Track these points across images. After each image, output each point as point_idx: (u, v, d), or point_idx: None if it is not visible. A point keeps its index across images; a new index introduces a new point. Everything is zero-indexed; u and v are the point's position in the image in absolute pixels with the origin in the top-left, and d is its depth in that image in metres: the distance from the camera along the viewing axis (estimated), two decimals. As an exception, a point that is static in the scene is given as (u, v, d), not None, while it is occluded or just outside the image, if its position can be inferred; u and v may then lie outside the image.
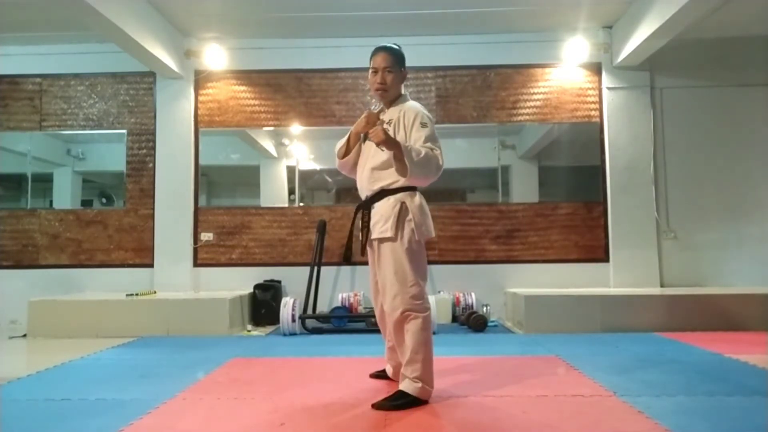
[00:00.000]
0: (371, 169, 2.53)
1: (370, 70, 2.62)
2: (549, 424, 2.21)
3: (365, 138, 2.55)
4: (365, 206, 2.56)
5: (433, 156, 2.42)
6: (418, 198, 2.52)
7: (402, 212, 2.45)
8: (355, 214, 2.68)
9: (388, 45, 2.62)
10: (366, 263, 2.76)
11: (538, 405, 2.47)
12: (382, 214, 2.48)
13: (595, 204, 5.44)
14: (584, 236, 5.41)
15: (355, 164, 2.69)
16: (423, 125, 2.48)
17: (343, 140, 2.69)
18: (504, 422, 2.25)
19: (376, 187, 2.52)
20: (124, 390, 2.80)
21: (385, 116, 2.58)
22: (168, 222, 5.45)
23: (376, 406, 2.40)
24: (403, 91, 2.67)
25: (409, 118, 2.51)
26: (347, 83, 5.59)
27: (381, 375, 2.95)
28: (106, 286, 5.39)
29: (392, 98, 2.63)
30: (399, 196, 2.48)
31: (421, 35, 5.46)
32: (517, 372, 3.10)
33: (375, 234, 2.50)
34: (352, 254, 2.72)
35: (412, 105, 2.59)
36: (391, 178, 2.47)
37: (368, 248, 2.65)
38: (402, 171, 2.39)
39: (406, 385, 2.45)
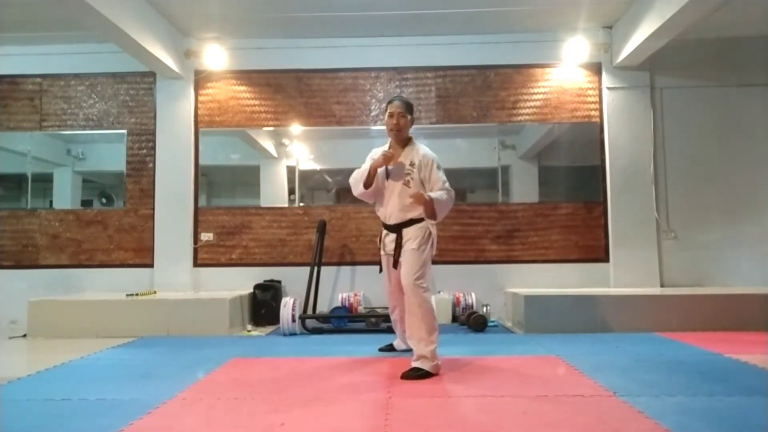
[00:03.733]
0: (401, 204, 3.18)
1: (387, 116, 3.27)
2: (549, 424, 2.21)
3: (388, 176, 3.26)
4: (395, 230, 3.22)
5: (449, 197, 3.16)
6: (435, 227, 3.22)
7: (426, 235, 3.16)
8: (382, 233, 3.37)
9: (401, 96, 3.55)
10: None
11: (538, 405, 2.47)
12: (411, 236, 3.16)
13: (595, 204, 5.44)
14: (584, 236, 5.41)
15: (373, 193, 3.30)
16: (438, 168, 3.21)
17: (361, 172, 3.29)
18: (504, 422, 2.25)
19: (407, 218, 3.18)
20: (124, 390, 2.80)
21: (404, 157, 3.24)
22: (168, 222, 5.45)
23: (405, 377, 2.96)
24: (410, 134, 3.33)
25: (427, 161, 3.20)
26: (347, 83, 5.59)
27: (389, 348, 3.70)
28: (106, 286, 5.39)
29: (403, 138, 3.28)
30: (424, 224, 3.17)
31: (421, 35, 5.47)
32: (517, 372, 3.10)
33: (405, 248, 3.17)
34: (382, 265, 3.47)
35: (426, 150, 3.26)
36: (417, 212, 3.16)
37: (388, 258, 3.29)
38: (432, 218, 3.13)
39: (422, 363, 3.01)
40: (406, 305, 3.13)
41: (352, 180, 3.36)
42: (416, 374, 2.96)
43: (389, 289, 3.44)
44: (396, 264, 3.20)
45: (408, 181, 3.17)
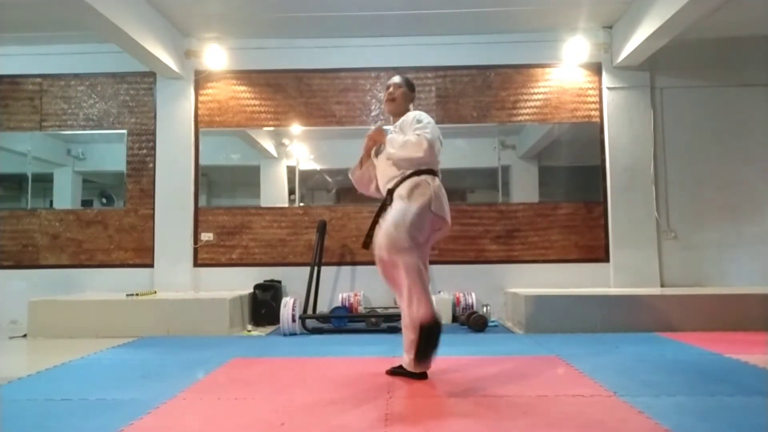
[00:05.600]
0: (390, 168, 2.90)
1: (385, 90, 3.13)
2: (549, 424, 2.21)
3: (377, 153, 3.03)
4: (390, 193, 2.92)
5: (411, 139, 2.79)
6: (437, 180, 2.90)
7: (421, 184, 2.81)
8: (380, 208, 2.98)
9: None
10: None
11: (538, 405, 2.47)
12: (402, 187, 2.84)
13: (595, 204, 5.44)
14: (584, 236, 5.41)
15: (369, 180, 3.13)
16: (418, 121, 2.89)
17: (356, 163, 3.15)
18: (504, 422, 2.24)
19: (396, 174, 2.88)
20: (124, 390, 2.80)
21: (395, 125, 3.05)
22: (168, 222, 5.45)
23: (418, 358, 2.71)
24: (411, 109, 3.09)
25: (409, 118, 2.95)
26: (347, 83, 5.59)
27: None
28: (106, 286, 5.39)
29: (400, 112, 3.07)
30: (421, 177, 2.84)
31: (421, 35, 5.47)
32: (517, 372, 3.10)
33: (394, 197, 2.85)
34: (371, 241, 2.90)
35: (414, 111, 3.02)
36: (411, 168, 2.85)
37: None
38: (387, 154, 2.86)
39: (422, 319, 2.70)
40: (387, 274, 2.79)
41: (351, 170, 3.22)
42: (422, 349, 2.70)
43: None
44: None
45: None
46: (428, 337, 2.66)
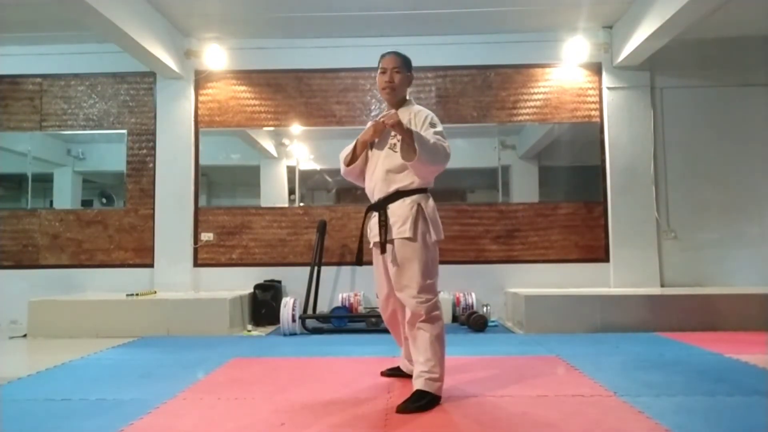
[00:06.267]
0: (386, 171, 2.57)
1: (379, 72, 2.68)
2: (549, 424, 2.21)
3: (372, 145, 2.68)
4: (378, 207, 2.59)
5: (441, 145, 2.50)
6: (431, 201, 2.61)
7: (419, 213, 2.53)
8: (366, 215, 2.71)
9: (396, 51, 2.73)
10: (369, 263, 2.80)
11: (538, 405, 2.47)
12: (399, 215, 2.53)
13: (595, 204, 5.44)
14: (584, 236, 5.41)
15: (361, 172, 2.75)
16: (432, 125, 2.58)
17: (349, 148, 2.74)
18: (504, 422, 2.24)
19: (392, 188, 2.56)
20: (124, 390, 2.80)
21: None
22: (168, 222, 5.45)
23: (400, 410, 2.35)
24: (408, 96, 2.75)
25: (420, 118, 2.60)
26: (347, 83, 5.59)
27: (394, 372, 2.97)
28: (106, 286, 5.39)
29: (399, 99, 2.70)
30: (414, 197, 2.54)
31: (421, 35, 5.46)
32: (517, 372, 3.10)
33: (393, 234, 2.53)
34: (363, 256, 2.75)
35: (423, 108, 2.68)
36: (406, 180, 2.54)
37: (375, 250, 2.68)
38: (410, 155, 2.43)
39: (427, 385, 2.45)
40: (407, 331, 2.60)
41: (340, 155, 2.78)
42: (418, 405, 2.38)
43: (380, 293, 2.77)
44: (383, 249, 2.57)
45: (394, 144, 2.53)
46: (425, 402, 2.41)
